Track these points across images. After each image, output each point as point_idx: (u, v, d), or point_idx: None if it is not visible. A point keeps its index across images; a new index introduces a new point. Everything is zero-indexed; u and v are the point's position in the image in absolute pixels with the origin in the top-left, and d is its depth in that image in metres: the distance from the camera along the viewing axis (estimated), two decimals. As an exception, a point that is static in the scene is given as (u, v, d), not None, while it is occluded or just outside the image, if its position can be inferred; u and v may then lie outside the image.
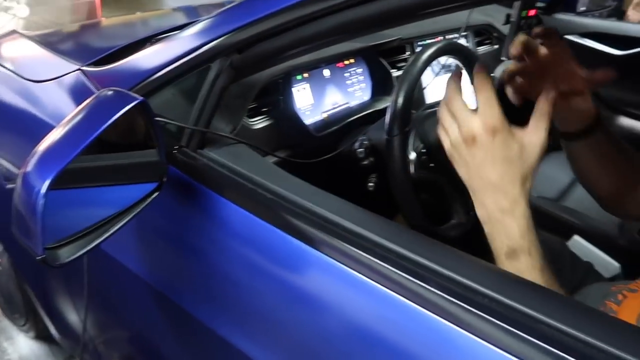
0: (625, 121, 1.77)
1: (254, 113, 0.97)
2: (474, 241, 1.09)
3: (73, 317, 1.09)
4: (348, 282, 0.58)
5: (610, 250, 1.20)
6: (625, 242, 1.18)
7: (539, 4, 1.83)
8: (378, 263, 0.55)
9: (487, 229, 0.61)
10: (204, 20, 0.80)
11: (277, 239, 0.65)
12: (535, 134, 0.58)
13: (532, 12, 1.17)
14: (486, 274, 0.53)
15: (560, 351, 0.43)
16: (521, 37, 0.69)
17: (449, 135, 0.62)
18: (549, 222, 1.40)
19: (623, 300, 0.76)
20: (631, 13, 2.15)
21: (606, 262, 1.18)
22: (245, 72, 0.77)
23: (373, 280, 0.55)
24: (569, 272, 1.04)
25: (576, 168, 0.85)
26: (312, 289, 0.62)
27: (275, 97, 1.01)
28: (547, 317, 0.46)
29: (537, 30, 0.71)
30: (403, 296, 0.53)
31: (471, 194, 0.62)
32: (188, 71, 0.77)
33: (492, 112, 0.57)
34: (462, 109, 0.60)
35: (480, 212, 0.62)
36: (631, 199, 0.82)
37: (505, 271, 0.56)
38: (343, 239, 0.59)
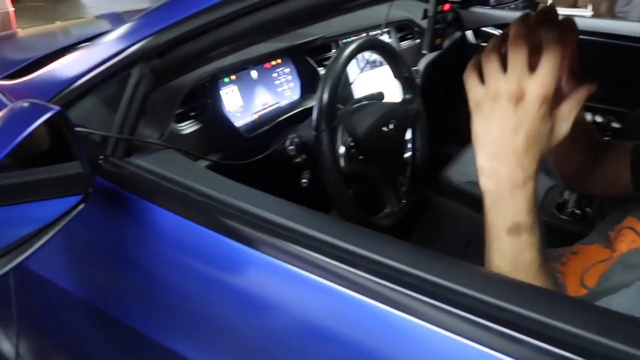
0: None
1: (182, 118, 0.96)
2: (406, 228, 1.14)
3: (4, 344, 1.03)
4: (290, 278, 0.59)
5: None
6: (546, 217, 1.27)
7: (455, -1, 1.92)
8: (315, 256, 0.56)
9: (490, 201, 0.57)
10: (124, 25, 0.79)
11: (214, 242, 0.65)
12: (565, 120, 0.55)
13: (446, 7, 1.23)
14: (415, 255, 0.56)
15: (494, 323, 0.46)
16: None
17: (491, 83, 0.54)
18: (477, 204, 1.47)
19: (567, 261, 0.82)
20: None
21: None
22: (168, 76, 0.77)
23: (314, 274, 0.56)
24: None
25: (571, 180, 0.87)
26: (255, 289, 0.63)
27: (203, 101, 1.01)
28: (471, 290, 0.49)
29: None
30: (341, 286, 0.54)
31: (483, 159, 0.57)
32: (108, 78, 0.75)
33: (552, 80, 0.51)
34: (522, 62, 0.52)
35: (487, 182, 0.57)
36: (591, 178, 0.87)
37: (433, 252, 0.59)
38: (279, 236, 0.60)
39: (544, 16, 0.56)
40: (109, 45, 0.77)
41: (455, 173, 1.59)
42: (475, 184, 1.61)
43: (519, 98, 0.52)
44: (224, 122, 1.02)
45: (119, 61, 0.74)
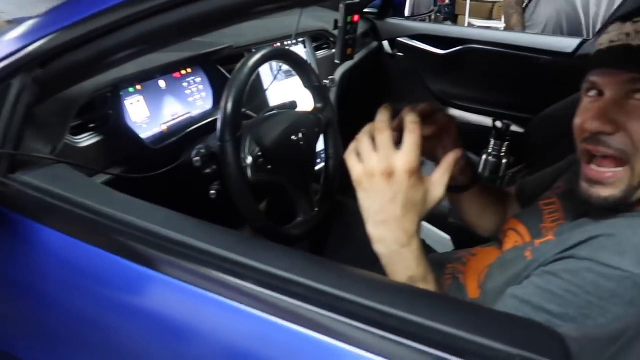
0: (454, 112, 1.99)
1: (79, 130, 0.91)
2: (320, 235, 1.15)
3: None
4: (183, 294, 0.57)
5: (443, 227, 1.34)
6: (454, 219, 1.32)
7: (371, 10, 1.98)
8: (206, 271, 0.55)
9: (385, 261, 0.63)
10: (8, 34, 0.74)
11: (107, 263, 0.62)
12: (438, 185, 0.62)
13: (356, 18, 1.26)
14: (304, 264, 0.56)
15: (377, 328, 0.47)
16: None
17: (366, 163, 0.61)
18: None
19: (467, 262, 0.87)
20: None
21: (440, 237, 1.32)
22: (54, 87, 0.73)
23: (206, 289, 0.55)
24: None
25: (462, 214, 0.98)
26: (157, 310, 0.60)
27: (104, 112, 0.96)
28: (352, 295, 0.50)
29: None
30: (232, 299, 0.53)
31: (371, 228, 0.63)
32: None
33: (415, 155, 0.59)
34: (388, 143, 0.60)
35: (378, 246, 0.63)
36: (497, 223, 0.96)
37: (323, 261, 0.60)
38: (174, 254, 0.58)
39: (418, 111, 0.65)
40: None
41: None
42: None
43: (390, 173, 0.59)
44: (128, 133, 0.98)
45: (-2, 71, 0.69)
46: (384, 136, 0.60)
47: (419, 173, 0.60)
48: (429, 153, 0.78)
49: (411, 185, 0.59)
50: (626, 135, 0.57)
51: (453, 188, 0.89)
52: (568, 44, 1.65)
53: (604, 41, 0.62)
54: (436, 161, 0.70)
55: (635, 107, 0.57)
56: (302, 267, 0.54)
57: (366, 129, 0.64)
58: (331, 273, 0.54)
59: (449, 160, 0.63)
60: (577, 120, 0.63)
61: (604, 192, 0.60)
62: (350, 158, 0.63)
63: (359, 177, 0.61)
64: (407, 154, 0.59)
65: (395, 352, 0.46)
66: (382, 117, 0.62)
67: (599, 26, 2.04)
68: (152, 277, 0.59)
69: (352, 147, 0.64)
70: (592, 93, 0.63)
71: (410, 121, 0.61)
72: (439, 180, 0.62)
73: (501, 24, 5.35)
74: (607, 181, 0.60)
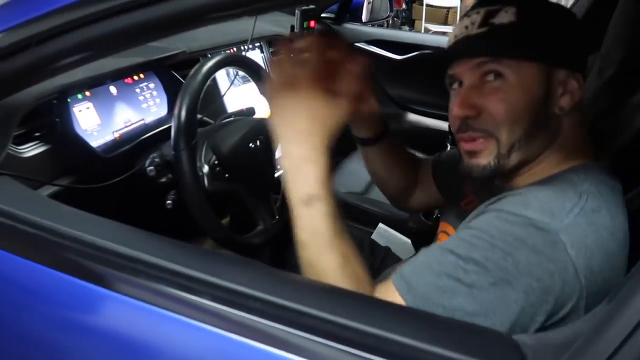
0: (412, 117, 2.02)
1: (23, 139, 0.87)
2: (282, 244, 1.14)
3: None
4: (136, 312, 0.54)
5: (405, 232, 1.36)
6: (414, 224, 1.34)
7: (328, 15, 1.99)
8: (158, 287, 0.53)
9: (288, 178, 0.63)
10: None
11: (58, 282, 0.58)
12: (344, 97, 0.62)
13: (312, 24, 1.25)
14: (261, 278, 0.55)
15: (335, 342, 0.46)
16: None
17: (277, 73, 0.63)
18: (357, 214, 1.52)
19: None
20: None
21: (402, 241, 1.33)
22: (-7, 95, 0.69)
23: (160, 306, 0.53)
24: (370, 258, 1.14)
25: (369, 169, 0.99)
26: (107, 328, 0.57)
27: (50, 120, 0.92)
28: (317, 310, 0.49)
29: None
30: (193, 318, 0.51)
31: (281, 142, 0.63)
32: None
33: (316, 66, 0.60)
34: (290, 59, 0.62)
35: (285, 161, 0.63)
36: (413, 197, 1.02)
37: (281, 273, 0.58)
38: (119, 268, 0.55)
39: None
40: None
41: (335, 185, 1.62)
42: (355, 194, 1.66)
43: (292, 83, 0.60)
44: (77, 142, 0.94)
45: None
46: (284, 48, 0.63)
47: (322, 88, 0.61)
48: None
49: (314, 96, 0.60)
50: (488, 115, 0.63)
51: (361, 140, 0.92)
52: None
53: (450, 37, 0.69)
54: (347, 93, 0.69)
55: (490, 88, 0.63)
56: (258, 280, 0.53)
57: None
58: (287, 285, 0.53)
59: (352, 68, 0.63)
60: (450, 112, 0.68)
61: (481, 161, 0.66)
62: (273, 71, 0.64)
63: (271, 92, 0.63)
64: (308, 66, 0.60)
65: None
66: (284, 40, 0.65)
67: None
68: (103, 294, 0.56)
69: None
70: (455, 85, 0.69)
71: (311, 41, 0.62)
72: (345, 92, 0.62)
73: (456, 29, 5.49)
74: (480, 149, 0.65)
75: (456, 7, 5.65)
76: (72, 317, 0.60)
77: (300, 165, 0.61)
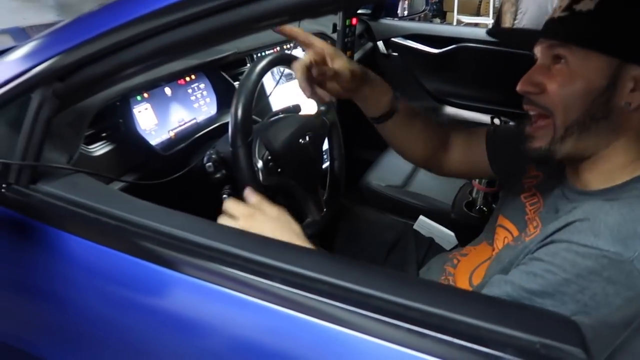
0: (449, 109, 2.03)
1: (92, 139, 0.93)
2: (329, 238, 1.18)
3: None
4: (212, 296, 0.59)
5: (447, 224, 1.37)
6: (456, 216, 1.35)
7: (365, 11, 2.01)
8: (233, 272, 0.58)
9: None
10: (23, 45, 0.75)
11: (131, 266, 0.64)
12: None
13: (354, 21, 1.29)
14: (328, 263, 0.59)
15: (401, 321, 0.49)
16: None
17: (237, 222, 0.73)
18: (397, 207, 1.55)
19: (458, 263, 0.90)
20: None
21: (445, 234, 1.35)
22: (72, 99, 0.74)
23: (234, 290, 0.57)
24: (414, 249, 1.17)
25: (392, 144, 0.99)
26: (179, 310, 0.62)
27: (114, 121, 0.98)
28: (377, 291, 0.52)
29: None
30: (261, 299, 0.56)
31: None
32: (5, 103, 0.72)
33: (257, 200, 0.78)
34: (237, 207, 0.76)
35: None
36: (443, 158, 0.99)
37: (346, 260, 0.62)
38: (197, 255, 0.60)
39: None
40: (7, 67, 0.73)
41: (374, 178, 1.65)
42: (394, 187, 1.69)
43: (250, 215, 0.74)
44: (139, 141, 1.00)
45: (17, 85, 0.70)
46: (231, 207, 0.76)
47: (263, 205, 0.77)
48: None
49: (266, 215, 0.75)
50: (546, 95, 0.66)
51: (374, 119, 0.92)
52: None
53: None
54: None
55: (556, 71, 0.65)
56: (328, 266, 0.56)
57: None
58: (355, 271, 0.57)
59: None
60: None
61: (535, 144, 0.69)
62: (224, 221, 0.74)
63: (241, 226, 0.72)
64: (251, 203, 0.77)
65: (421, 343, 0.49)
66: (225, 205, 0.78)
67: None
68: (181, 280, 0.61)
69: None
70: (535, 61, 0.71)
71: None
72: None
73: (489, 20, 5.41)
74: (536, 134, 0.69)
75: (489, -2, 5.56)
76: (147, 300, 0.65)
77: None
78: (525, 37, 0.75)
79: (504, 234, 0.80)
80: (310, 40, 0.83)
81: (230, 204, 0.76)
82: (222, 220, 0.74)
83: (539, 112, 0.68)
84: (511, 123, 1.41)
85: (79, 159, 0.84)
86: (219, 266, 0.58)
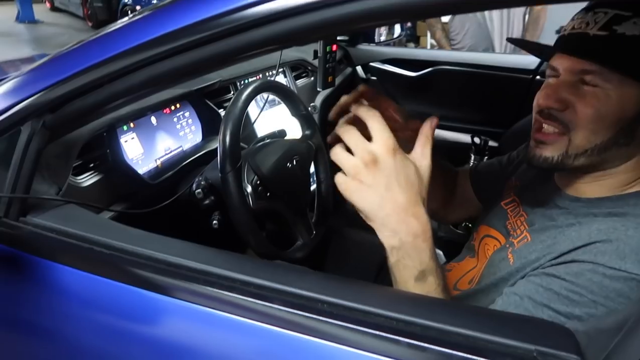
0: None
1: (80, 170, 0.93)
2: (318, 260, 1.18)
3: None
4: (210, 321, 0.59)
5: (434, 242, 1.39)
6: (444, 234, 1.38)
7: (343, 37, 2.06)
8: (231, 295, 0.58)
9: (397, 256, 0.59)
10: (9, 79, 0.76)
11: (126, 295, 0.64)
12: (423, 156, 0.60)
13: (334, 47, 1.32)
14: (322, 283, 0.59)
15: (401, 336, 0.50)
16: (341, 102, 0.73)
17: (346, 166, 0.58)
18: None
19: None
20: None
21: (432, 253, 1.36)
22: (62, 130, 0.75)
23: (232, 313, 0.57)
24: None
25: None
26: (176, 337, 0.62)
27: (102, 151, 0.98)
28: (377, 308, 0.53)
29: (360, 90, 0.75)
30: (260, 321, 0.56)
31: (381, 225, 0.59)
32: (-5, 137, 0.72)
33: (387, 134, 0.57)
34: (358, 138, 0.58)
35: (390, 241, 0.59)
36: (453, 209, 1.04)
37: (343, 279, 0.63)
38: (193, 280, 0.60)
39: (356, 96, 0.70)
40: (-6, 102, 0.74)
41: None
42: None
43: (373, 161, 0.57)
44: (126, 170, 1.00)
45: (7, 118, 0.71)
46: (350, 134, 0.59)
47: (399, 150, 0.58)
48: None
49: (398, 164, 0.57)
50: (573, 113, 0.63)
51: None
52: (530, 61, 1.76)
53: (567, 28, 0.67)
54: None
55: (585, 92, 0.62)
56: (326, 285, 0.57)
57: (332, 136, 0.64)
58: (352, 289, 0.58)
59: (425, 129, 0.62)
60: (536, 97, 0.69)
61: (545, 152, 0.66)
62: (338, 153, 0.60)
63: (346, 185, 0.58)
64: (379, 137, 0.57)
65: (421, 357, 0.50)
66: (340, 122, 0.65)
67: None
68: (175, 306, 0.61)
69: (335, 149, 0.61)
70: (552, 74, 0.68)
71: (364, 109, 0.60)
72: (421, 151, 0.61)
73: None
74: (549, 141, 0.66)
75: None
76: (148, 330, 0.64)
77: (412, 242, 0.58)
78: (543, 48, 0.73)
79: (493, 242, 0.81)
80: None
81: (354, 139, 0.59)
82: (342, 159, 0.59)
83: (556, 128, 0.65)
84: (490, 142, 1.45)
85: (67, 190, 0.84)
86: (216, 290, 0.58)
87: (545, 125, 0.67)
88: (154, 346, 0.63)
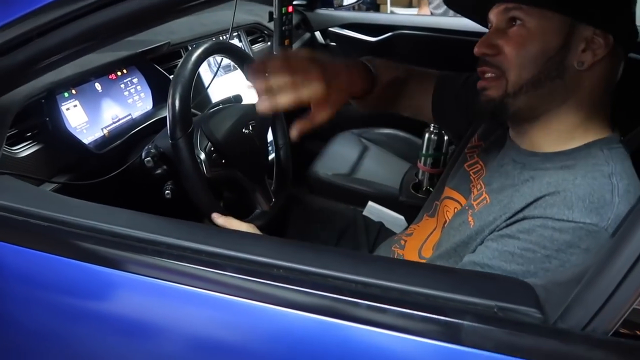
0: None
1: (16, 140, 0.86)
2: (279, 229, 1.16)
3: None
4: (159, 293, 0.56)
5: (395, 207, 1.39)
6: (404, 198, 1.37)
7: (300, 2, 2.00)
8: (185, 266, 0.54)
9: None
10: None
11: (70, 270, 0.59)
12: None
13: (290, 9, 1.27)
14: (280, 248, 0.57)
15: (361, 299, 0.49)
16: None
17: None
18: (346, 194, 1.55)
19: (405, 244, 0.90)
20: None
21: (394, 218, 1.36)
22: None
23: (184, 284, 0.54)
24: (364, 235, 1.17)
25: (383, 110, 0.99)
26: (129, 313, 0.58)
27: (40, 119, 0.91)
28: (334, 271, 0.51)
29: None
30: (215, 291, 0.53)
31: None
32: None
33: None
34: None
35: None
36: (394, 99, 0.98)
37: (299, 243, 0.61)
38: (141, 251, 0.57)
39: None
40: None
41: (321, 167, 1.65)
42: (342, 175, 1.69)
43: None
44: (69, 139, 0.94)
45: None
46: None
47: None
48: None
49: None
50: (503, 56, 0.67)
51: (357, 99, 0.89)
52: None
53: None
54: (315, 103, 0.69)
55: (513, 33, 0.66)
56: (280, 250, 0.54)
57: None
58: (309, 253, 0.55)
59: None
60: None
61: (488, 95, 0.69)
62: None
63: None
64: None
65: (381, 319, 0.48)
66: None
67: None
68: (126, 279, 0.57)
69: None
70: (489, 26, 0.72)
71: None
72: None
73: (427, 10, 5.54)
74: (490, 86, 0.69)
75: (420, -11, 5.70)
76: (93, 305, 0.60)
77: None
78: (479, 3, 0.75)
79: (453, 204, 0.81)
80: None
81: None
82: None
83: (493, 72, 0.68)
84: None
85: (2, 161, 0.77)
86: (165, 260, 0.55)
87: (486, 74, 0.70)
88: (101, 322, 0.59)
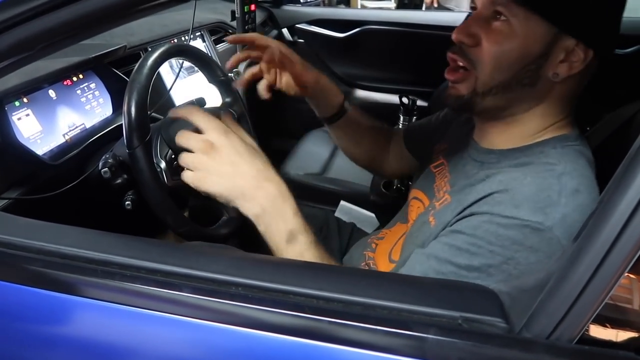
0: (360, 93, 2.04)
1: (-39, 154, 0.82)
2: (248, 232, 1.13)
3: None
4: (113, 317, 0.53)
5: (367, 206, 1.38)
6: (375, 197, 1.36)
7: (265, -1, 1.96)
8: (135, 286, 0.52)
9: (264, 223, 0.63)
10: None
11: (14, 295, 0.56)
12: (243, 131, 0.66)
13: (253, 7, 1.24)
14: (236, 264, 0.54)
15: (322, 315, 0.47)
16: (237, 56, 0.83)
17: (189, 162, 0.64)
18: (318, 195, 1.53)
19: (376, 247, 0.89)
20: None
21: (366, 216, 1.35)
22: None
23: (137, 306, 0.52)
24: (337, 237, 1.15)
25: (340, 145, 1.05)
26: (77, 337, 0.56)
27: (-13, 131, 0.86)
28: (295, 287, 0.49)
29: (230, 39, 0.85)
30: (173, 313, 0.51)
31: (240, 199, 0.63)
32: None
33: (213, 120, 0.64)
34: (189, 135, 0.65)
35: (253, 211, 0.63)
36: (387, 164, 1.07)
37: (259, 257, 0.58)
38: (89, 273, 0.53)
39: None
40: None
41: (292, 167, 1.62)
42: (313, 175, 1.67)
43: (210, 146, 0.62)
44: (20, 151, 0.89)
45: None
46: (184, 137, 0.66)
47: (230, 130, 0.64)
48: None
49: (234, 141, 0.63)
50: (479, 50, 0.64)
51: (326, 119, 0.98)
52: (458, 19, 1.74)
53: None
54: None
55: (496, 27, 0.63)
56: (236, 266, 0.52)
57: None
58: (266, 267, 0.53)
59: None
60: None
61: (456, 91, 0.67)
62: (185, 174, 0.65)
63: (196, 177, 0.64)
64: (206, 125, 0.64)
65: (344, 334, 0.47)
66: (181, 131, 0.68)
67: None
68: (76, 303, 0.54)
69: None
70: (472, 9, 0.69)
71: (182, 110, 0.69)
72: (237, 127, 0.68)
73: (392, 4, 5.55)
74: (459, 79, 0.67)
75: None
76: (45, 331, 0.57)
77: (272, 205, 0.61)
78: None
79: (417, 204, 0.80)
80: (267, 42, 0.87)
81: (184, 137, 0.65)
82: (183, 158, 0.65)
83: (464, 63, 0.66)
84: (419, 102, 1.43)
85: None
86: (117, 282, 0.52)
87: (457, 62, 0.67)
88: (53, 349, 0.56)
